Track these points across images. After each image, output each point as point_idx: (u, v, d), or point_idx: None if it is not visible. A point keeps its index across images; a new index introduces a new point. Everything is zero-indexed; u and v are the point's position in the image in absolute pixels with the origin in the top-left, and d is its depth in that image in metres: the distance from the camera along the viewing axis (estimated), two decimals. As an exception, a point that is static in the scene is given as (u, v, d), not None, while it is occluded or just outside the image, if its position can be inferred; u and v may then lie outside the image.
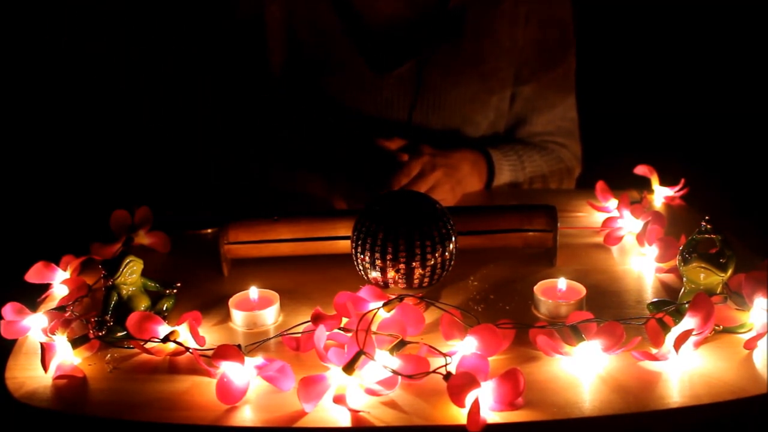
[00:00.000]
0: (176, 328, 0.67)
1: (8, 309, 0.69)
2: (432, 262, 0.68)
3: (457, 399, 0.55)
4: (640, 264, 0.82)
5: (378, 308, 0.66)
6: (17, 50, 1.49)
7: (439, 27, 1.11)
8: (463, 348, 0.63)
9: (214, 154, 1.22)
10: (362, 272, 0.71)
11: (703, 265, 0.66)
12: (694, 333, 0.60)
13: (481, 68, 1.13)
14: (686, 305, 0.63)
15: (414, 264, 0.68)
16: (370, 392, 0.59)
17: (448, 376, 0.58)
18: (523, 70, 1.15)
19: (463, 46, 1.11)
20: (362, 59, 1.11)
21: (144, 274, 0.73)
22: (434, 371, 0.59)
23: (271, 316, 0.72)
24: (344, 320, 0.67)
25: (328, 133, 1.16)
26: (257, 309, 0.71)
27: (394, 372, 0.59)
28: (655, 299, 0.73)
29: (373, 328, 0.63)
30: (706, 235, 0.68)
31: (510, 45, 1.13)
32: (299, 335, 0.66)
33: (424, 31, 1.11)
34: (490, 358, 0.61)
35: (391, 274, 0.68)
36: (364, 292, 0.68)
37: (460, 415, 0.56)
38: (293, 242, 0.80)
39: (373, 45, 1.12)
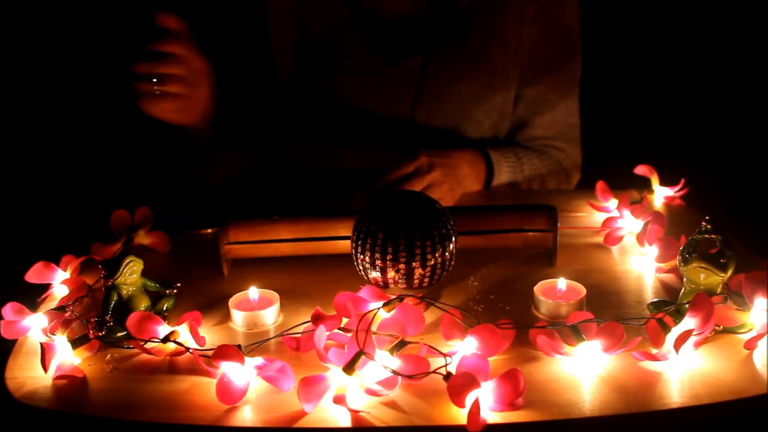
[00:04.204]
0: (176, 328, 0.67)
1: (8, 309, 0.69)
2: (432, 262, 0.68)
3: (457, 399, 0.55)
4: (640, 264, 0.82)
5: (378, 308, 0.66)
6: (17, 50, 1.48)
7: (448, 23, 1.11)
8: (463, 348, 0.63)
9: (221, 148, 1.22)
10: (362, 272, 0.71)
11: (703, 265, 0.66)
12: (694, 333, 0.60)
13: (486, 66, 1.13)
14: (686, 305, 0.63)
15: (414, 264, 0.68)
16: (370, 392, 0.58)
17: (448, 377, 0.58)
18: (527, 71, 1.15)
19: (470, 44, 1.12)
20: (370, 51, 1.12)
21: (144, 274, 0.73)
22: (434, 371, 0.59)
23: (271, 316, 0.72)
24: (344, 320, 0.67)
25: (328, 132, 1.16)
26: (257, 309, 0.71)
27: (394, 372, 0.59)
28: (655, 299, 0.73)
29: (373, 328, 0.63)
30: (706, 235, 0.68)
31: (516, 45, 1.13)
32: (299, 335, 0.66)
33: (432, 26, 1.12)
34: (490, 359, 0.61)
35: (391, 274, 0.68)
36: (364, 292, 0.68)
37: (460, 416, 0.55)
38: (293, 242, 0.80)
39: (382, 38, 1.12)
